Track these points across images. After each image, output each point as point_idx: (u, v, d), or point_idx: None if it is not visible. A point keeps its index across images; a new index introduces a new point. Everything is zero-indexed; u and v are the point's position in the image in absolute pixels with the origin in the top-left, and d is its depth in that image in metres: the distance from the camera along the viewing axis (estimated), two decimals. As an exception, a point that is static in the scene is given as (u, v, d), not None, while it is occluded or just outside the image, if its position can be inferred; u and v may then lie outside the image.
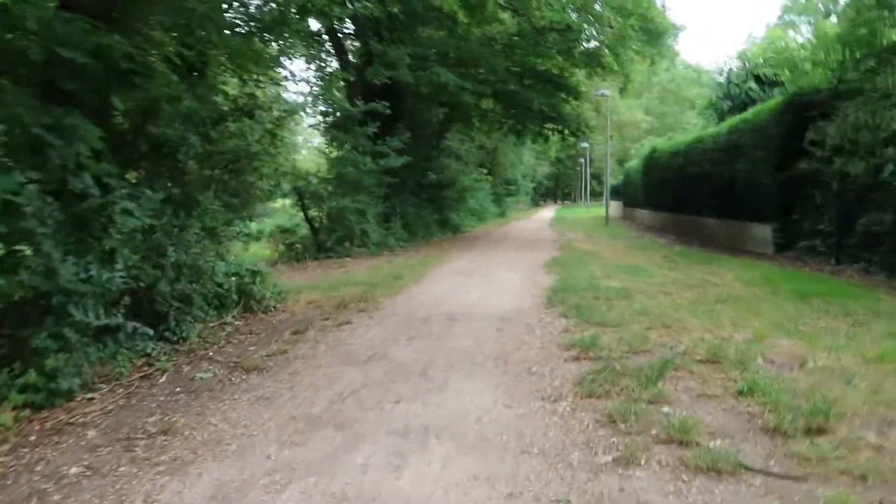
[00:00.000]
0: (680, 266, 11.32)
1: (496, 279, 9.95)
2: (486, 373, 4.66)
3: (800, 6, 36.37)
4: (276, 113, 8.41)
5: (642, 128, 53.00)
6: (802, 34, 33.65)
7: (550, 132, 20.25)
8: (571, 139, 19.77)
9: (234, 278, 7.33)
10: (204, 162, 6.84)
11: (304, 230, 15.96)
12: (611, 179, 72.94)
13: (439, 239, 20.73)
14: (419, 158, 24.57)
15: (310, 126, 19.37)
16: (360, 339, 5.92)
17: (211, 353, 5.52)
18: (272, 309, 7.57)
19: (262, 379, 4.67)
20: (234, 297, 7.16)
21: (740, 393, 3.85)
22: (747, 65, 26.90)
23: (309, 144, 32.53)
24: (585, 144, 51.65)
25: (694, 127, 58.46)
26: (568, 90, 19.75)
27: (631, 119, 49.62)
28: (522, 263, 12.46)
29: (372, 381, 4.49)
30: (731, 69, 27.63)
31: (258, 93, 8.40)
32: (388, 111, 16.15)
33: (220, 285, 6.93)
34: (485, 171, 30.63)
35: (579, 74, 20.92)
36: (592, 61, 19.08)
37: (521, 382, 4.38)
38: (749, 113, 15.63)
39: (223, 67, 6.92)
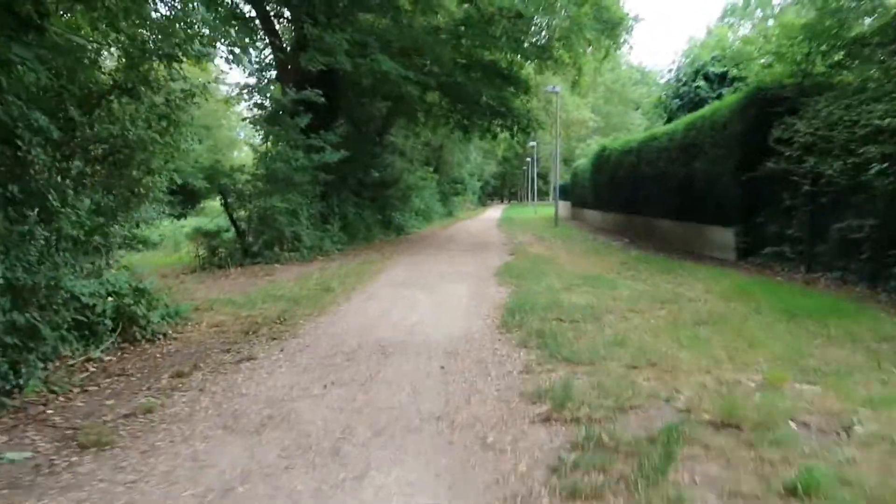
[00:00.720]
0: (643, 274, 10.29)
1: (441, 292, 8.66)
2: (423, 447, 3.34)
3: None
4: (176, 92, 6.83)
5: (590, 127, 52.72)
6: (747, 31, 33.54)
7: (499, 128, 19.12)
8: (520, 136, 18.71)
9: (110, 299, 5.80)
10: (62, 151, 5.28)
11: (231, 233, 14.32)
12: (558, 179, 73.02)
13: (381, 241, 19.33)
14: (361, 155, 23.13)
15: (243, 119, 17.66)
16: (261, 385, 4.51)
17: (49, 412, 4.03)
18: (162, 336, 6.06)
19: (99, 464, 3.21)
20: (109, 323, 5.64)
21: (791, 492, 2.64)
22: (696, 63, 26.45)
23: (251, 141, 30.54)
24: (533, 143, 51.07)
25: (638, 128, 58.84)
26: (517, 84, 18.63)
27: (579, 118, 49.18)
28: (471, 271, 11.22)
29: (259, 468, 3.12)
30: (679, 68, 27.18)
31: (158, 69, 6.83)
32: (324, 101, 14.67)
33: (88, 308, 5.40)
34: (430, 168, 29.35)
35: (529, 68, 19.87)
36: (543, 54, 18.01)
37: (474, 467, 3.08)
38: (707, 109, 14.81)
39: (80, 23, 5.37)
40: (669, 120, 25.64)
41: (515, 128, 18.63)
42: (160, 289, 7.21)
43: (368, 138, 23.60)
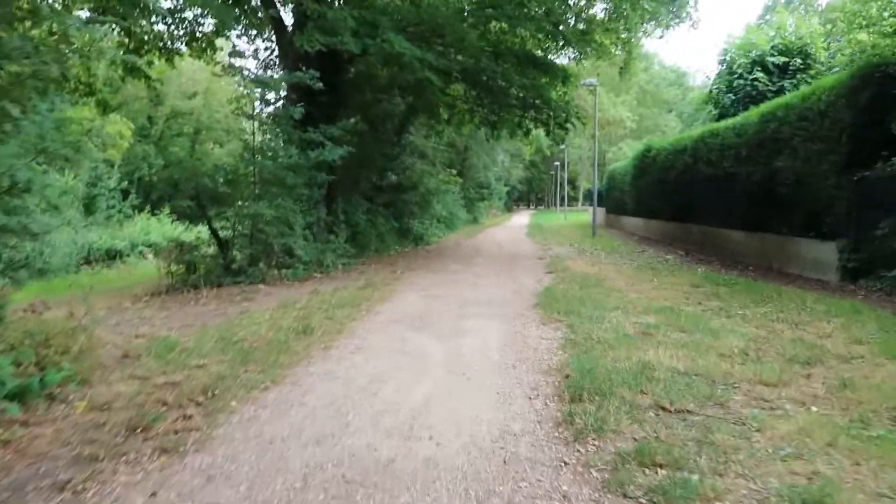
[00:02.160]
0: (732, 305, 7.62)
1: (463, 338, 6.10)
2: None
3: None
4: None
5: (627, 127, 49.71)
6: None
7: (532, 123, 16.54)
8: (557, 132, 16.15)
9: None
10: None
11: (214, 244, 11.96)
12: (589, 183, 69.89)
13: (396, 253, 16.85)
14: (377, 156, 20.75)
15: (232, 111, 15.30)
16: None
17: None
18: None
19: None
20: None
21: None
22: (752, 53, 23.52)
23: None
24: (562, 146, 48.34)
25: (673, 130, 55.71)
26: (554, 72, 16.02)
27: (615, 117, 46.24)
28: (503, 297, 8.66)
29: None
30: (732, 59, 24.29)
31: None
32: (323, 87, 12.25)
33: None
34: (454, 172, 26.85)
35: (567, 56, 17.29)
36: (584, 37, 15.40)
37: None
38: (793, 96, 12.06)
39: None
40: (721, 117, 22.80)
41: (552, 122, 16.04)
42: (45, 333, 4.80)
43: (385, 138, 21.23)
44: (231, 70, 12.87)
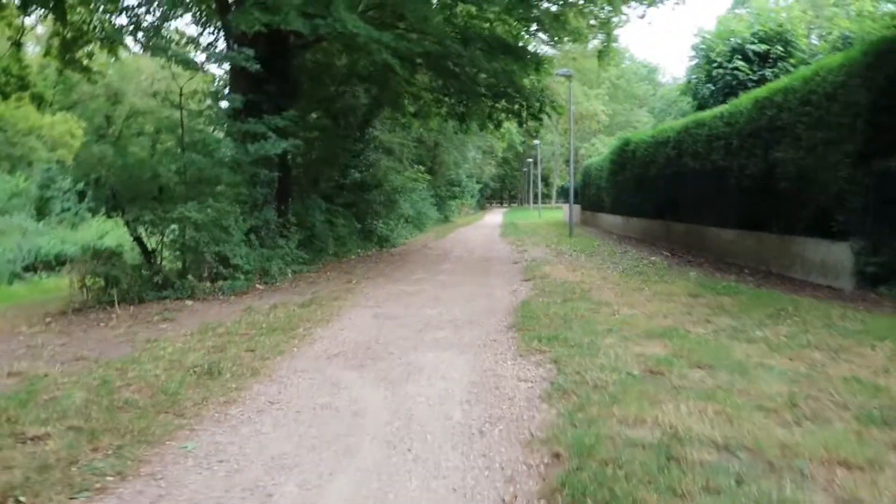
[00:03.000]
0: (748, 325, 6.29)
1: (413, 384, 4.65)
2: None
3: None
4: None
5: (601, 121, 48.62)
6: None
7: (503, 114, 15.16)
8: (531, 123, 14.80)
9: None
10: None
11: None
12: (563, 180, 68.88)
13: (357, 258, 15.34)
14: (339, 152, 19.25)
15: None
16: None
17: None
18: None
19: None
20: None
21: None
22: (732, 41, 22.44)
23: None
24: (536, 142, 47.18)
25: (645, 126, 54.79)
26: (526, 60, 14.61)
27: (589, 111, 45.09)
28: (471, 316, 7.24)
29: None
30: (710, 47, 23.17)
31: None
32: (266, 72, 10.74)
33: None
34: (422, 168, 25.36)
35: (539, 42, 15.92)
36: (557, 22, 14.02)
37: None
38: (793, 78, 10.83)
39: None
40: (700, 108, 21.73)
41: (524, 113, 14.69)
42: None
43: (348, 133, 19.71)
44: (156, 49, 11.23)
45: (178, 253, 9.94)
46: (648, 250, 15.66)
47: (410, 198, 22.95)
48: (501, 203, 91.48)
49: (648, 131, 19.45)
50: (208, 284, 9.44)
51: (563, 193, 57.51)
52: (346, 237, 16.39)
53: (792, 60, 21.16)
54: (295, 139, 11.77)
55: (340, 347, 5.77)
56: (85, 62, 17.75)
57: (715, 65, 22.18)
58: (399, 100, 18.63)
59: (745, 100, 12.16)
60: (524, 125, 15.19)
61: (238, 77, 11.79)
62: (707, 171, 13.44)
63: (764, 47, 21.10)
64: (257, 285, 10.04)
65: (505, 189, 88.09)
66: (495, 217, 45.51)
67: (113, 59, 20.63)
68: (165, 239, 10.01)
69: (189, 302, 8.83)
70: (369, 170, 19.86)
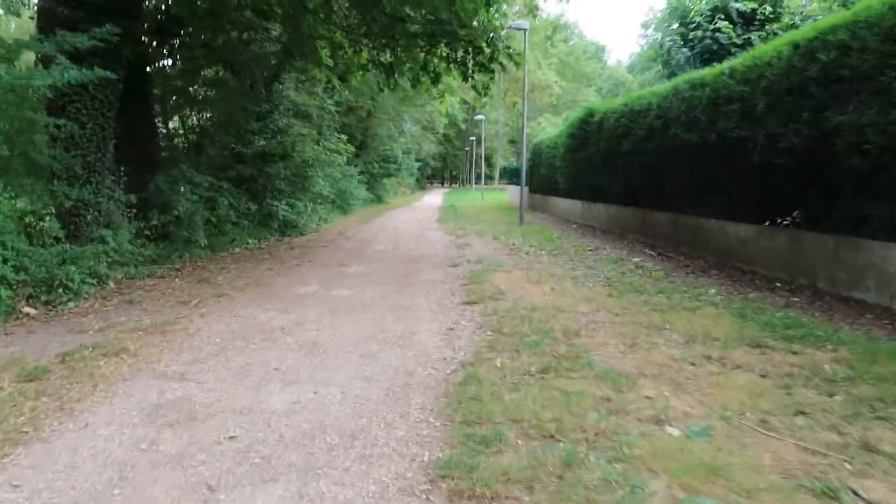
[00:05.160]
0: (852, 426, 2.84)
1: None
2: None
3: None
4: None
5: (554, 94, 45.05)
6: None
7: (444, 63, 11.31)
8: (480, 77, 11.06)
9: None
10: None
11: None
12: (507, 161, 65.62)
13: (241, 252, 11.34)
14: (239, 114, 15.10)
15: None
16: None
17: None
18: None
19: None
20: None
21: None
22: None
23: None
24: (480, 117, 43.54)
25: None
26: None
27: (542, 81, 41.41)
28: (357, 412, 3.50)
29: None
30: (686, 7, 19.86)
31: None
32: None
33: None
34: (343, 137, 21.17)
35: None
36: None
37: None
38: (863, 6, 7.42)
39: None
40: (673, 75, 18.53)
41: (470, 62, 10.93)
42: None
43: (253, 93, 15.59)
44: None
45: None
46: (624, 247, 12.26)
47: (330, 173, 18.88)
48: (442, 183, 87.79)
49: (619, 99, 16.02)
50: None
51: (507, 174, 54.21)
52: (231, 223, 12.31)
53: (782, 22, 18.13)
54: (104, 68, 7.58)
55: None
56: None
57: (692, 26, 18.99)
58: (313, 49, 14.52)
59: (779, 44, 8.72)
60: (470, 79, 11.34)
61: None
62: (709, 144, 10.09)
63: (751, 6, 17.96)
64: (24, 309, 5.98)
65: (446, 168, 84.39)
66: (434, 198, 41.68)
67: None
68: None
69: None
70: (276, 137, 15.73)
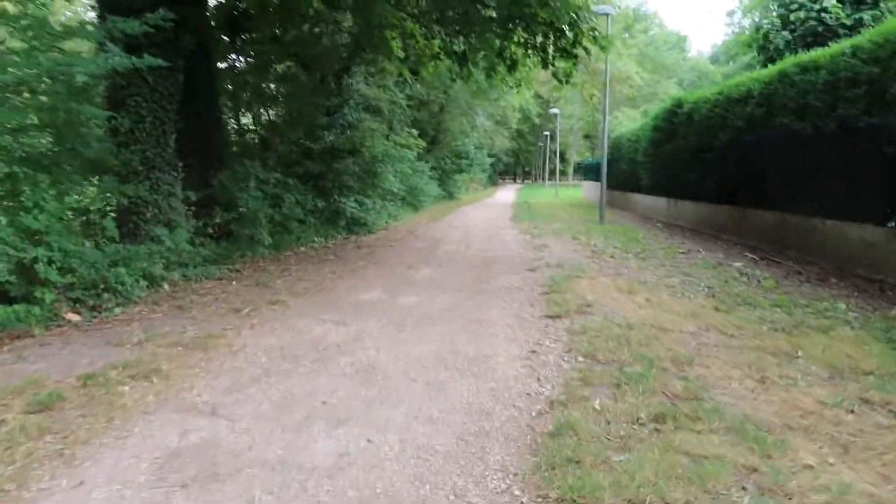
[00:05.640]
0: None
1: None
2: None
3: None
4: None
5: (635, 86, 43.08)
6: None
7: (522, 49, 10.39)
8: (562, 64, 10.05)
9: None
10: None
11: None
12: (581, 156, 63.77)
13: (306, 252, 10.85)
14: (308, 109, 14.75)
15: None
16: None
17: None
18: None
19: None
20: None
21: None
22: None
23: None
24: (555, 111, 42.25)
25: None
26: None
27: (623, 72, 39.56)
28: (438, 465, 2.75)
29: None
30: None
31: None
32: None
33: None
34: (415, 132, 20.52)
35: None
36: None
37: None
38: None
39: None
40: (770, 61, 16.92)
41: (551, 47, 10.00)
42: None
43: (323, 87, 15.19)
44: None
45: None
46: (719, 249, 11.04)
47: (400, 169, 18.29)
48: (514, 179, 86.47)
49: (712, 88, 14.66)
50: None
51: (582, 170, 52.39)
52: (297, 221, 11.85)
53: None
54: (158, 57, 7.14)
55: None
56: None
57: (794, 7, 17.28)
58: (384, 39, 13.92)
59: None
60: (550, 66, 10.39)
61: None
62: (825, 133, 8.81)
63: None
64: (67, 315, 5.54)
65: (518, 164, 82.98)
66: (507, 194, 40.68)
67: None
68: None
69: None
70: (345, 132, 15.25)
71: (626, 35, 36.92)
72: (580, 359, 4.32)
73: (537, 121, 59.01)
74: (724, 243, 11.86)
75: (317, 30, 15.34)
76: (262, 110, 16.61)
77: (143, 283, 6.82)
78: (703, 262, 9.29)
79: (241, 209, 10.06)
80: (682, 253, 10.56)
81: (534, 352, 4.53)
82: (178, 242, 7.76)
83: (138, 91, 8.06)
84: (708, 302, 6.37)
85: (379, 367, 4.20)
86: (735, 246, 11.37)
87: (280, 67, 16.13)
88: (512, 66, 11.00)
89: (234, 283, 7.54)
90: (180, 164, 8.96)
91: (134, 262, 6.81)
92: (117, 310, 5.93)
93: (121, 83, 7.96)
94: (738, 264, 9.18)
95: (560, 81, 10.66)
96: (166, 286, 7.12)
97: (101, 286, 6.24)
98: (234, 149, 14.05)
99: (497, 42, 10.83)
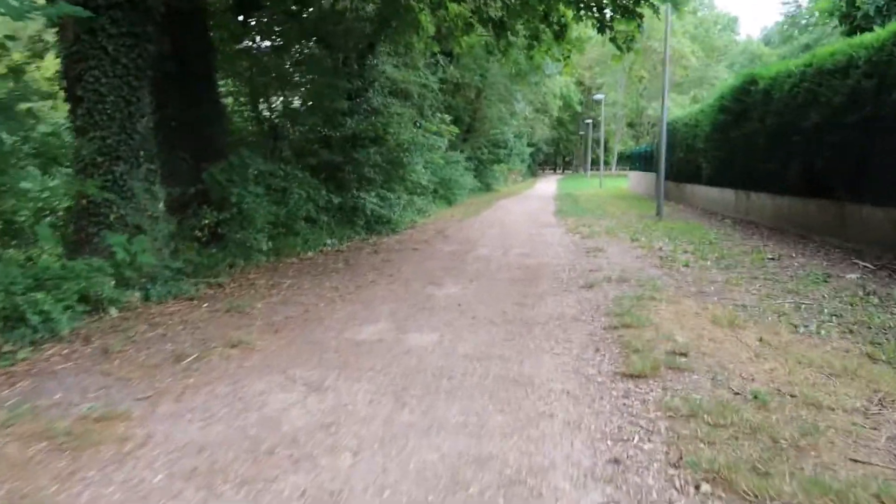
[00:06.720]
0: None
1: None
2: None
3: None
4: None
5: (689, 66, 40.29)
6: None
7: (574, 10, 8.40)
8: (623, 27, 8.10)
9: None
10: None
11: None
12: (624, 145, 60.99)
13: (312, 258, 9.14)
14: (328, 93, 13.04)
15: None
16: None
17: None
18: None
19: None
20: None
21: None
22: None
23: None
24: (599, 96, 39.91)
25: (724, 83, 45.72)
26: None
27: (676, 51, 36.85)
28: None
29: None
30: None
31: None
32: None
33: None
34: (448, 118, 18.61)
35: None
36: None
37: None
38: None
39: None
40: (854, 31, 14.52)
41: (609, 7, 8.05)
42: None
43: (345, 69, 13.47)
44: None
45: None
46: (814, 254, 8.94)
47: (431, 159, 16.46)
48: (555, 169, 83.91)
49: (793, 61, 12.43)
50: None
51: (626, 159, 49.76)
52: (305, 220, 10.15)
53: None
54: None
55: None
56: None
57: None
58: (411, 9, 12.10)
59: None
60: (608, 29, 8.43)
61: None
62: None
63: None
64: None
65: (559, 154, 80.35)
66: (548, 186, 38.50)
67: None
68: None
69: None
70: (369, 118, 13.48)
71: (675, 15, 34.19)
72: (704, 483, 2.45)
73: (579, 108, 56.41)
74: (819, 246, 9.72)
75: (340, 4, 13.61)
76: (275, 96, 15.02)
77: (81, 309, 5.20)
78: (806, 275, 7.24)
79: (234, 208, 8.41)
80: (771, 259, 8.51)
81: (616, 462, 2.68)
82: (135, 254, 6.10)
83: (97, 64, 6.47)
84: (851, 344, 4.41)
85: (349, 501, 2.41)
86: (834, 250, 9.24)
87: (299, 48, 14.47)
88: (561, 32, 9.05)
89: (204, 305, 5.86)
90: (162, 156, 7.43)
91: (67, 283, 5.18)
92: (22, 353, 4.29)
93: (77, 54, 6.43)
94: (852, 276, 7.12)
95: (619, 49, 8.68)
96: (114, 311, 5.48)
97: (15, 317, 4.63)
98: (250, 139, 12.54)
99: (541, 5, 8.87)
